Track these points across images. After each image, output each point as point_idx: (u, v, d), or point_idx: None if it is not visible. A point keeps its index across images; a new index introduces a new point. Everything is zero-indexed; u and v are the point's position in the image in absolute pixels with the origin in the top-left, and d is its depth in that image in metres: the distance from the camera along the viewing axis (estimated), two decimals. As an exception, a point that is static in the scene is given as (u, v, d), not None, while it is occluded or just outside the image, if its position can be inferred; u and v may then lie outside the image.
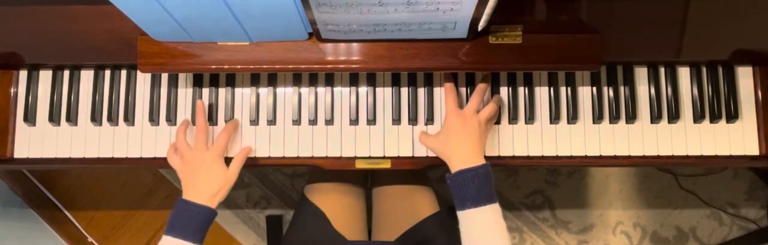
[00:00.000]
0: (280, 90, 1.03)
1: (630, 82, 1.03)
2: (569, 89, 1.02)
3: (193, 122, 1.01)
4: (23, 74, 1.04)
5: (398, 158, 1.02)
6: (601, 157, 1.02)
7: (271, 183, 1.80)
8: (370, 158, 1.01)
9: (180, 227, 0.88)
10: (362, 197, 1.24)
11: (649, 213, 1.79)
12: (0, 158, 1.03)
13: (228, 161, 0.96)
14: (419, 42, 0.90)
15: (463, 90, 1.03)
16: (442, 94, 1.02)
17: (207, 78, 1.04)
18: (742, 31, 0.95)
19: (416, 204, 1.16)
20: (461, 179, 0.87)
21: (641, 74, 1.04)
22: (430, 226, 1.13)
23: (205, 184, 0.91)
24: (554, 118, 1.02)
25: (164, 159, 1.02)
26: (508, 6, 0.82)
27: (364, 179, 1.27)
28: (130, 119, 1.03)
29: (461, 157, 0.89)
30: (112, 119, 1.03)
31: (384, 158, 1.02)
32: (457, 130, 0.92)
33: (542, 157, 1.02)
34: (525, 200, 1.79)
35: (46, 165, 1.04)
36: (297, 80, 1.03)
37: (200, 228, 0.89)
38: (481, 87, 0.97)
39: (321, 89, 1.03)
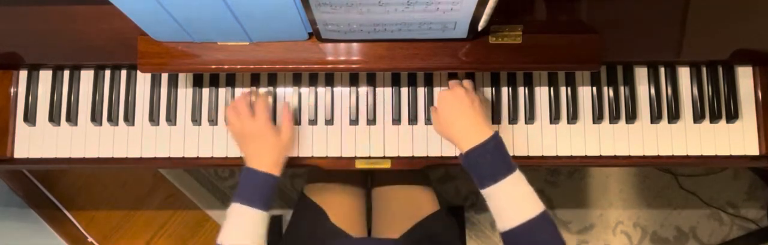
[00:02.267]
0: (280, 90, 1.03)
1: (630, 82, 1.03)
2: (569, 89, 1.02)
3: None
4: (23, 74, 1.04)
5: (398, 158, 1.02)
6: (601, 157, 1.02)
7: (271, 183, 1.80)
8: (370, 158, 1.01)
9: (246, 194, 0.90)
10: (362, 197, 1.24)
11: (649, 213, 1.79)
12: (0, 158, 1.03)
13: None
14: (419, 42, 0.90)
15: (463, 90, 1.03)
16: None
17: (207, 78, 1.04)
18: (742, 31, 0.95)
19: (417, 204, 1.16)
20: (472, 159, 0.84)
21: (641, 74, 1.04)
22: (431, 225, 1.13)
23: (262, 152, 0.94)
24: (554, 118, 1.02)
25: (164, 159, 1.03)
26: (508, 6, 0.82)
27: (364, 179, 1.27)
28: (130, 119, 1.03)
29: (465, 136, 0.86)
30: (112, 119, 1.03)
31: (384, 158, 1.02)
32: (450, 106, 0.91)
33: (542, 157, 1.02)
34: (525, 200, 1.79)
35: (46, 165, 1.04)
36: (297, 80, 1.03)
37: (265, 194, 0.91)
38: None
39: (321, 89, 1.03)
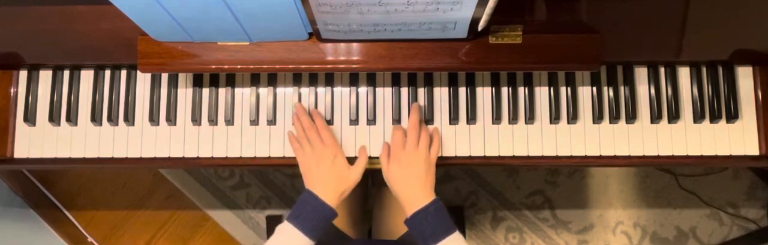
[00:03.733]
0: (280, 90, 1.03)
1: (630, 82, 1.03)
2: (569, 89, 1.02)
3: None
4: (23, 74, 1.04)
5: (398, 158, 1.02)
6: (601, 157, 1.02)
7: (271, 183, 1.80)
8: (370, 158, 1.01)
9: (305, 220, 0.89)
10: (362, 197, 1.24)
11: (649, 213, 1.79)
12: (0, 158, 1.03)
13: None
14: (419, 42, 0.90)
15: (463, 90, 1.03)
16: (441, 94, 1.02)
17: (207, 78, 1.04)
18: (742, 31, 0.95)
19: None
20: (416, 222, 0.90)
21: (641, 74, 1.04)
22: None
23: (330, 181, 0.93)
24: (554, 118, 1.02)
25: (164, 159, 1.03)
26: (508, 6, 0.82)
27: (365, 179, 1.27)
28: (130, 119, 1.03)
29: (411, 200, 0.91)
30: (112, 119, 1.03)
31: (384, 158, 1.02)
32: (406, 170, 0.93)
33: (542, 157, 1.02)
34: (525, 200, 1.79)
35: (46, 165, 1.04)
36: (297, 80, 1.03)
37: (321, 226, 0.90)
38: (414, 121, 0.96)
39: (321, 89, 1.03)
